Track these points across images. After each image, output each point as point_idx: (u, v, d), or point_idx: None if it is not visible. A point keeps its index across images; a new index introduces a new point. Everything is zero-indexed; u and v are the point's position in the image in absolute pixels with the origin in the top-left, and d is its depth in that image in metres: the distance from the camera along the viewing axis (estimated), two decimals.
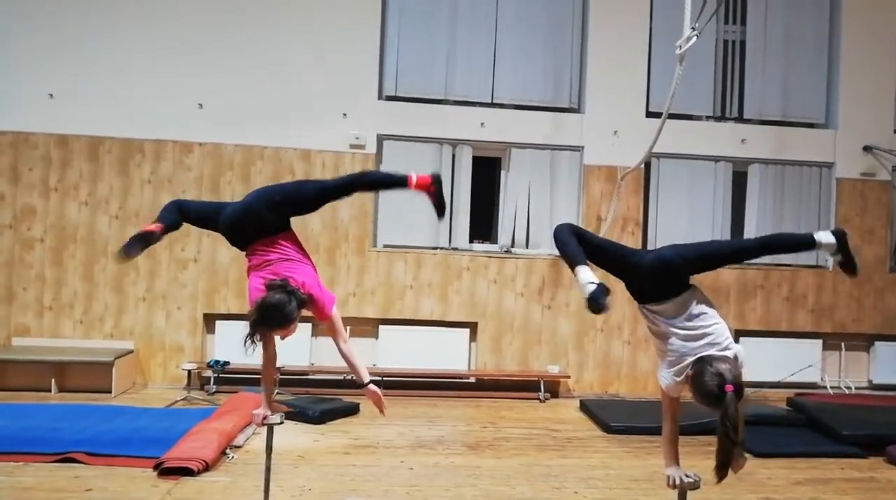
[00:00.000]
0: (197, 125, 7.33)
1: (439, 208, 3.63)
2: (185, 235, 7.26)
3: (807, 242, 3.12)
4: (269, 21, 7.39)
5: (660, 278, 2.94)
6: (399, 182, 3.59)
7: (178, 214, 3.50)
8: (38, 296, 7.14)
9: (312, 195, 3.53)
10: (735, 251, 3.30)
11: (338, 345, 3.47)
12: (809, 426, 6.05)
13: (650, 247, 7.75)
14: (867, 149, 8.02)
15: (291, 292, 3.09)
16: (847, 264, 3.13)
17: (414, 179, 3.52)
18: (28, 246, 7.15)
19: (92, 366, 6.69)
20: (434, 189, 3.55)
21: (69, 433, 4.97)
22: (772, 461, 5.15)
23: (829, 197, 8.08)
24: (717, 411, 2.65)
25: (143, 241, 3.24)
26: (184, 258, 7.30)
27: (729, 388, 2.63)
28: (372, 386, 3.42)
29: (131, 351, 7.13)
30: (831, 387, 7.86)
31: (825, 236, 3.08)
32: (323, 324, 3.53)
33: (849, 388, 7.91)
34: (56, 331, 7.13)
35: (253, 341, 3.09)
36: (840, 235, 3.09)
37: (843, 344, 7.99)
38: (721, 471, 2.64)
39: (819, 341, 7.90)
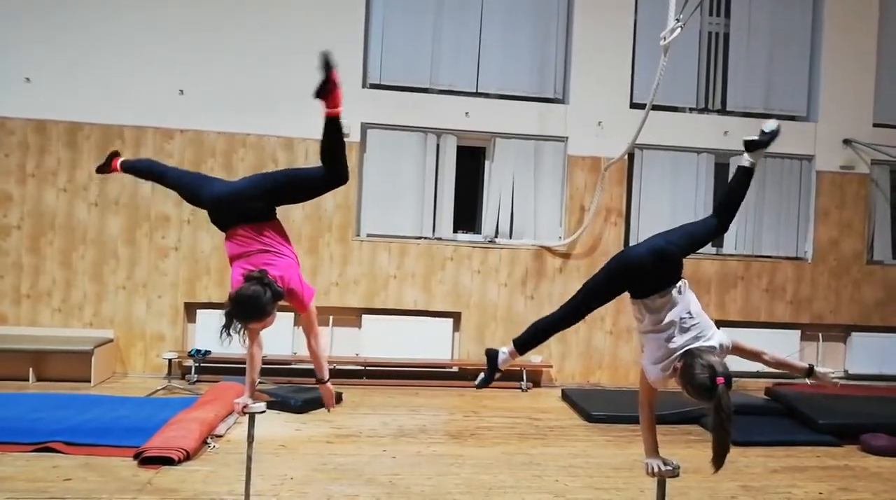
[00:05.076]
0: (178, 112, 7.23)
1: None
2: (166, 223, 7.19)
3: (745, 172, 3.40)
4: (252, 7, 7.29)
5: (661, 269, 2.94)
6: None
7: (146, 172, 3.80)
8: (16, 284, 7.03)
9: (301, 186, 3.52)
10: (710, 229, 3.22)
11: (308, 340, 3.51)
12: (787, 415, 6.14)
13: (633, 237, 7.82)
14: (847, 142, 8.11)
15: (267, 285, 3.07)
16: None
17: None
18: (4, 233, 7.03)
19: (71, 355, 6.61)
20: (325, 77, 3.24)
21: (48, 423, 4.91)
22: (750, 449, 5.22)
23: (808, 189, 8.16)
24: (709, 403, 2.66)
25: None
26: (164, 246, 7.23)
27: (720, 380, 2.64)
28: (329, 385, 3.65)
29: (111, 340, 7.05)
30: None
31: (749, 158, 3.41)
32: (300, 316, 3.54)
33: None
34: (34, 319, 7.03)
35: (228, 333, 3.08)
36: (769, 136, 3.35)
37: (820, 335, 8.11)
38: (718, 462, 2.64)
39: (797, 332, 8.00)
